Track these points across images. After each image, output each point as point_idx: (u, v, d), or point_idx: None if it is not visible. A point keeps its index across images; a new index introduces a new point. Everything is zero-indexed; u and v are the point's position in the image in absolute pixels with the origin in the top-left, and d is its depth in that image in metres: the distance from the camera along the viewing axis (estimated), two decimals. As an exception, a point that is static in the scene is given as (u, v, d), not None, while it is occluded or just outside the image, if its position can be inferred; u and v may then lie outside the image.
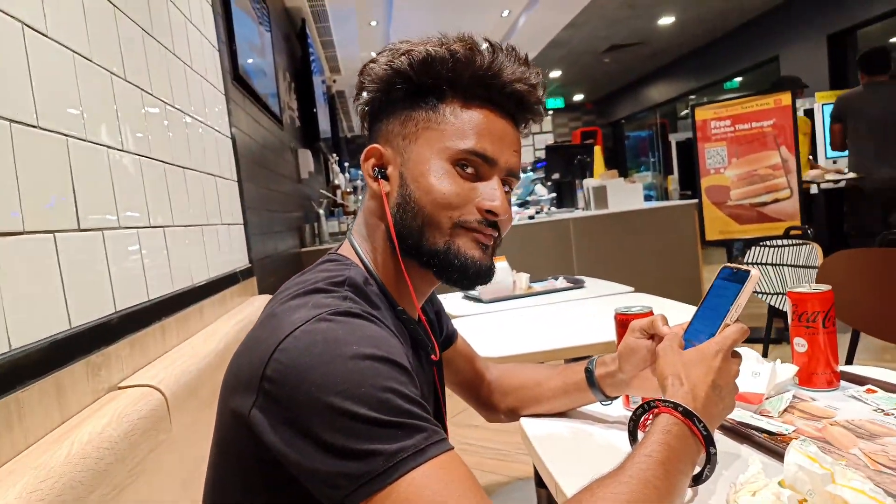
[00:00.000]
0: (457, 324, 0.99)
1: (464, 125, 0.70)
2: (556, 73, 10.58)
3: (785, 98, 3.71)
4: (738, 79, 9.08)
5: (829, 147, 4.53)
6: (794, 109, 3.71)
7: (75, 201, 0.84)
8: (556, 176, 4.71)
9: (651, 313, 0.85)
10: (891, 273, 1.53)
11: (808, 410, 0.83)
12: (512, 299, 2.01)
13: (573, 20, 7.15)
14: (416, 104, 0.72)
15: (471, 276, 0.71)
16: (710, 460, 0.60)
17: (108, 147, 0.97)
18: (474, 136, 0.70)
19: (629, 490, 0.52)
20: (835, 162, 4.73)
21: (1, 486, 0.56)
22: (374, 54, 0.75)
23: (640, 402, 0.67)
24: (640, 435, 0.65)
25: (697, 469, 0.61)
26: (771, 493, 0.58)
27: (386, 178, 0.72)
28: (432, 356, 0.77)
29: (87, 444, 0.67)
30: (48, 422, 0.71)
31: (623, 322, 0.90)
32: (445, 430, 0.73)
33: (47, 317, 0.74)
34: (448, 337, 0.92)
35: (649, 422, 0.63)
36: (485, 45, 0.71)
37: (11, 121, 0.70)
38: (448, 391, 0.91)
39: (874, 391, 0.86)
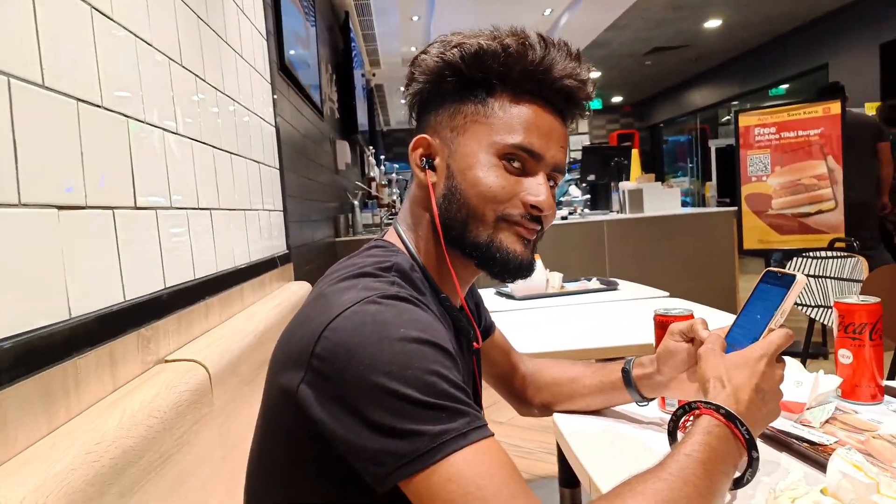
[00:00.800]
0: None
1: (512, 120, 0.70)
2: (595, 75, 10.44)
3: (834, 107, 3.61)
4: (785, 86, 8.82)
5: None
6: (844, 119, 3.61)
7: (133, 180, 0.87)
8: (591, 177, 4.66)
9: (691, 316, 0.85)
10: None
11: (850, 423, 0.82)
12: (544, 297, 2.00)
13: (616, 21, 7.05)
14: (466, 97, 0.72)
15: (512, 270, 0.72)
16: (752, 464, 0.60)
17: (164, 129, 1.00)
18: (522, 132, 0.70)
19: (668, 487, 0.52)
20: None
21: (59, 447, 0.59)
22: (414, 49, 0.76)
23: (678, 405, 0.66)
24: (679, 436, 0.64)
25: (738, 473, 0.60)
26: (811, 501, 0.57)
27: (433, 168, 0.73)
28: (474, 343, 0.78)
29: (139, 412, 0.70)
30: (101, 389, 0.74)
31: (662, 324, 0.89)
32: None
33: (104, 289, 0.77)
34: (486, 329, 0.93)
35: (689, 423, 0.62)
36: (536, 40, 0.71)
37: (79, 100, 0.74)
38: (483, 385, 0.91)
39: (921, 407, 0.84)
